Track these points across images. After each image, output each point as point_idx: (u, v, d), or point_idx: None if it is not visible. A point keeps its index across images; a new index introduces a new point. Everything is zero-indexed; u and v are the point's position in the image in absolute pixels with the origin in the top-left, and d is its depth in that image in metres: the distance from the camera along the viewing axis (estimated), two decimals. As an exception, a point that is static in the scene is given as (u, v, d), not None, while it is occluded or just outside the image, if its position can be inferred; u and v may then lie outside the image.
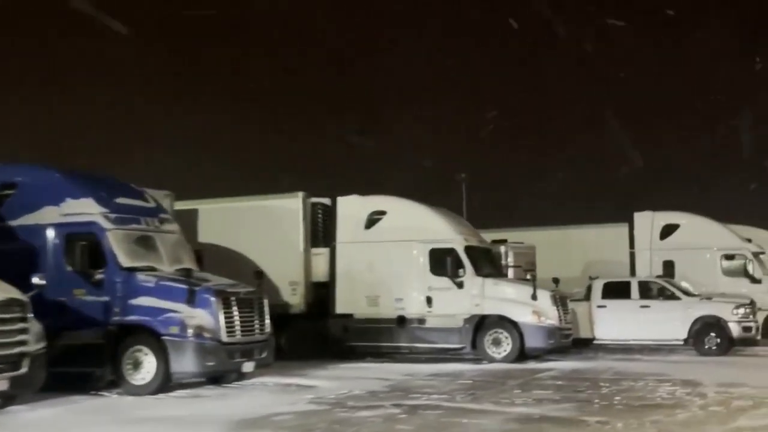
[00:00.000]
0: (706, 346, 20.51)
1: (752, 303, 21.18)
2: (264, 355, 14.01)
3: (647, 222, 25.40)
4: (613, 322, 21.56)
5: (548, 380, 14.87)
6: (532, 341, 18.51)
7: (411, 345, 19.38)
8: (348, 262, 20.02)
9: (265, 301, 14.28)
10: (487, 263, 19.94)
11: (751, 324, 20.74)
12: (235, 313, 13.46)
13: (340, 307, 20.02)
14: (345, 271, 20.04)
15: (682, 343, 20.96)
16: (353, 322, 19.77)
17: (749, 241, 26.88)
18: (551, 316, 18.73)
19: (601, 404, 11.68)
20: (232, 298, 13.50)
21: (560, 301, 19.27)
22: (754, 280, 24.07)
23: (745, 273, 24.12)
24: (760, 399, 11.94)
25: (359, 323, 19.70)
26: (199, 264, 15.29)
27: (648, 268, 24.99)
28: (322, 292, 20.35)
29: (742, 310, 20.61)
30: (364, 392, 13.03)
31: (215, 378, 14.18)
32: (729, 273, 24.41)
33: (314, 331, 20.00)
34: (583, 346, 21.87)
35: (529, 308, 18.62)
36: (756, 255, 24.71)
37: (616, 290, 21.84)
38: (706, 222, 25.20)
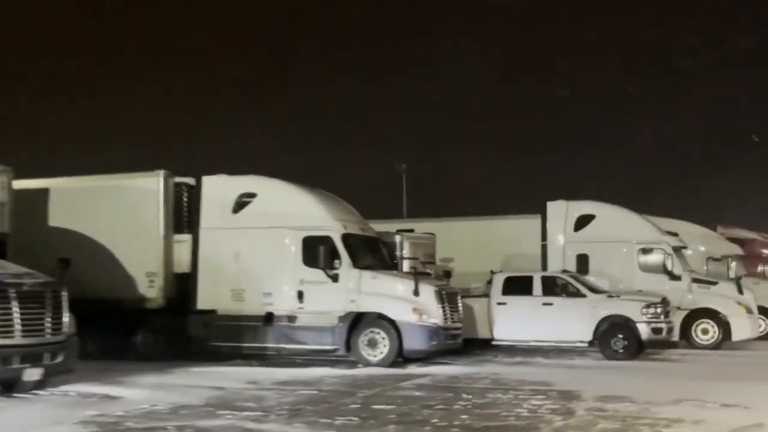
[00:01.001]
0: (613, 349, 18.56)
1: (664, 302, 19.24)
2: (59, 359, 11.66)
3: (560, 212, 23.38)
4: (513, 321, 19.52)
5: (404, 392, 12.71)
6: (411, 342, 16.37)
7: (279, 346, 17.13)
8: (212, 251, 17.73)
9: (64, 295, 11.86)
10: (370, 254, 17.76)
11: (662, 325, 18.78)
12: (15, 309, 11.06)
13: (202, 302, 17.71)
14: (208, 261, 17.74)
15: (587, 345, 19.01)
16: (215, 319, 17.47)
17: (674, 235, 25.31)
18: (434, 314, 16.59)
19: (436, 426, 9.56)
20: (11, 291, 11.06)
21: (448, 297, 17.14)
22: (674, 277, 22.17)
23: (663, 269, 22.23)
24: (633, 420, 9.90)
25: (222, 320, 17.40)
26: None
27: (561, 262, 23.04)
28: (185, 285, 18.05)
29: (652, 310, 18.64)
30: (168, 407, 10.77)
31: (7, 386, 11.82)
32: (647, 268, 22.46)
33: (174, 328, 17.71)
34: (485, 347, 19.88)
35: (408, 305, 16.48)
36: (677, 249, 22.85)
37: (518, 286, 19.79)
38: (624, 213, 23.27)
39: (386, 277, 17.06)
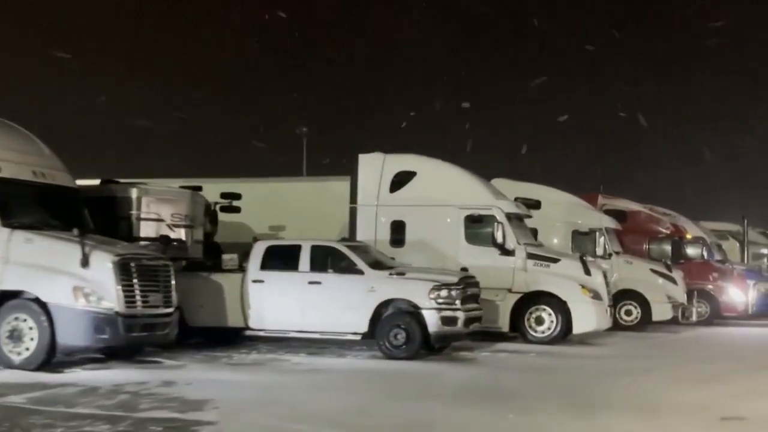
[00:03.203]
0: (392, 344, 13.98)
1: (466, 282, 14.66)
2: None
3: (375, 167, 18.60)
4: (272, 304, 14.79)
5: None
6: (67, 335, 11.47)
7: None
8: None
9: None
10: (44, 209, 12.87)
11: (457, 314, 14.17)
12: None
13: None
14: None
15: (360, 338, 14.37)
16: None
17: (533, 203, 20.95)
18: (110, 296, 11.73)
19: None
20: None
21: (142, 271, 12.25)
22: (505, 251, 17.65)
23: (493, 241, 17.67)
24: None
25: None
26: None
27: (372, 231, 18.41)
28: None
29: (443, 293, 14.02)
30: None
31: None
32: (474, 240, 17.92)
33: None
34: (241, 338, 15.22)
35: (69, 281, 11.59)
36: (514, 218, 18.34)
37: (283, 259, 15.05)
38: (451, 170, 18.62)
39: (45, 240, 12.09)
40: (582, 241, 22.29)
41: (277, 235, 18.18)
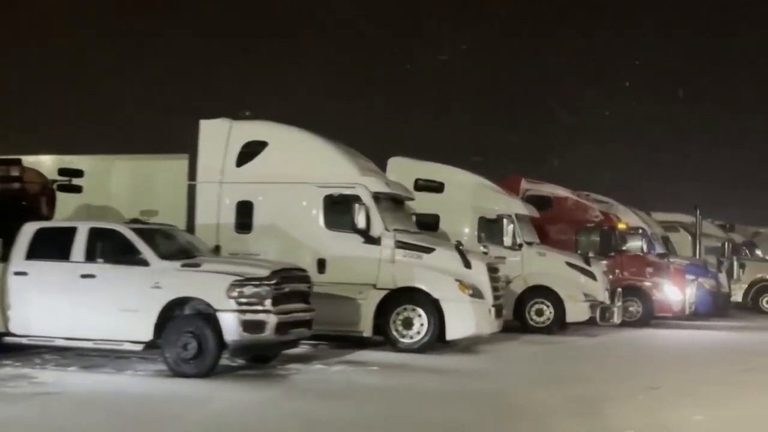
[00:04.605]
0: (181, 356, 10.74)
1: (283, 277, 11.37)
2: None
3: (220, 137, 15.38)
4: (36, 303, 11.54)
5: None
6: None
7: None
8: None
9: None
10: None
11: (265, 318, 10.87)
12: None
13: None
14: None
15: (142, 348, 11.11)
16: None
17: (432, 184, 18.27)
18: None
19: None
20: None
21: None
22: (369, 239, 14.47)
23: (353, 226, 14.46)
24: None
25: None
26: None
27: (215, 214, 15.21)
28: None
29: (247, 290, 10.77)
30: None
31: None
32: (334, 225, 14.76)
33: None
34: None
35: None
36: (388, 199, 15.19)
37: (55, 244, 11.76)
38: (310, 140, 15.38)
39: None
40: (489, 229, 19.24)
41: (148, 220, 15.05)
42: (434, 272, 14.26)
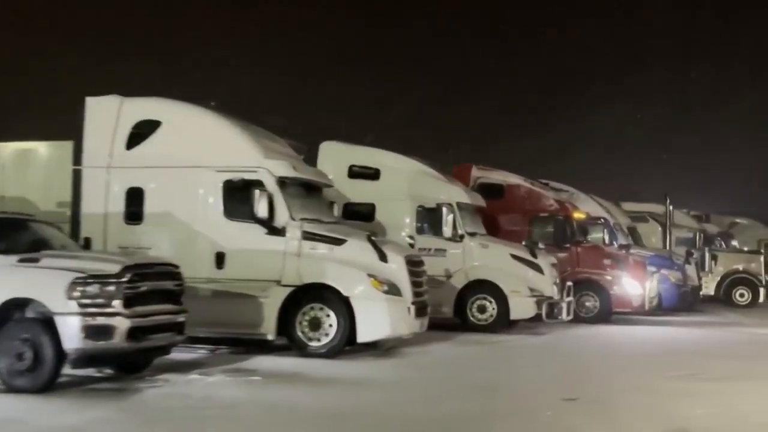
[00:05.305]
0: (16, 369, 9.07)
1: (138, 273, 9.68)
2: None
3: (108, 116, 13.70)
4: None
5: None
6: None
7: None
8: None
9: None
10: None
11: (114, 322, 9.16)
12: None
13: None
14: None
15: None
16: None
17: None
18: None
19: None
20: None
21: None
22: (273, 230, 12.81)
23: (253, 215, 12.78)
24: None
25: None
26: None
27: (102, 202, 13.52)
28: None
29: (92, 290, 9.09)
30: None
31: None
32: (236, 214, 13.09)
33: None
34: None
35: None
36: (298, 186, 13.53)
37: None
38: (209, 120, 13.67)
39: None
40: (429, 219, 17.69)
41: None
42: (345, 267, 12.62)
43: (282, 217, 12.78)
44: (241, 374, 10.55)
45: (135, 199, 13.30)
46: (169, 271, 10.19)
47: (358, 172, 17.74)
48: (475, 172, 21.12)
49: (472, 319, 17.26)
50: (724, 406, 9.09)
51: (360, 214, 17.31)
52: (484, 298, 17.29)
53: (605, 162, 44.69)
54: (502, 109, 45.63)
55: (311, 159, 17.54)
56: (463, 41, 44.06)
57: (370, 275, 12.52)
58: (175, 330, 10.09)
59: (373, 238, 12.98)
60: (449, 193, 17.76)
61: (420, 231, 17.55)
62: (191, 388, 9.52)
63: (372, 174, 17.77)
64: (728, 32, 46.21)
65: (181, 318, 10.16)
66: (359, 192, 17.48)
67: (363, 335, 12.46)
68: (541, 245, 19.01)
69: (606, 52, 46.01)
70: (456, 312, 17.31)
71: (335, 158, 17.63)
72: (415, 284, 13.18)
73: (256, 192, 12.62)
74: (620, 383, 10.35)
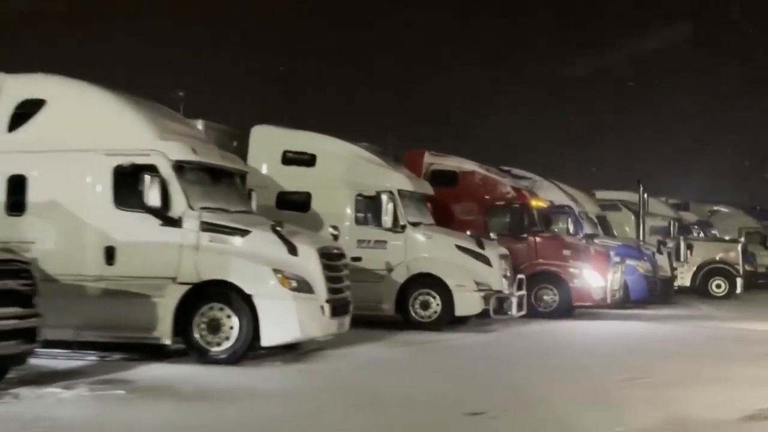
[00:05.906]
0: None
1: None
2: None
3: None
4: None
5: None
6: None
7: None
8: None
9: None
10: None
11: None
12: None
13: None
14: None
15: None
16: None
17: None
18: None
19: None
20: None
21: None
22: (168, 220, 11.33)
23: (143, 204, 11.31)
24: None
25: None
26: None
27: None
28: None
29: None
30: None
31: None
32: (128, 203, 11.58)
33: None
34: None
35: None
36: (202, 171, 12.03)
37: None
38: (98, 98, 12.14)
39: None
40: (369, 208, 16.30)
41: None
42: (247, 261, 11.17)
43: (178, 207, 11.30)
44: (109, 387, 9.09)
45: (16, 187, 11.77)
46: (12, 269, 8.70)
47: (293, 158, 16.46)
48: (428, 158, 19.76)
49: (414, 316, 15.86)
50: (659, 419, 7.67)
51: (295, 204, 16.04)
52: (428, 294, 15.89)
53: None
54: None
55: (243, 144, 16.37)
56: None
57: (275, 270, 11.07)
58: (22, 337, 8.61)
59: (279, 228, 11.49)
60: (390, 179, 16.35)
61: (359, 221, 16.18)
62: (30, 406, 8.06)
63: (307, 160, 16.46)
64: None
65: (31, 323, 8.68)
66: (294, 179, 16.20)
67: (267, 338, 11.01)
68: (493, 235, 17.64)
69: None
70: (398, 308, 15.94)
71: (268, 143, 16.39)
72: (332, 279, 11.73)
73: (147, 178, 11.16)
74: (552, 391, 8.91)
